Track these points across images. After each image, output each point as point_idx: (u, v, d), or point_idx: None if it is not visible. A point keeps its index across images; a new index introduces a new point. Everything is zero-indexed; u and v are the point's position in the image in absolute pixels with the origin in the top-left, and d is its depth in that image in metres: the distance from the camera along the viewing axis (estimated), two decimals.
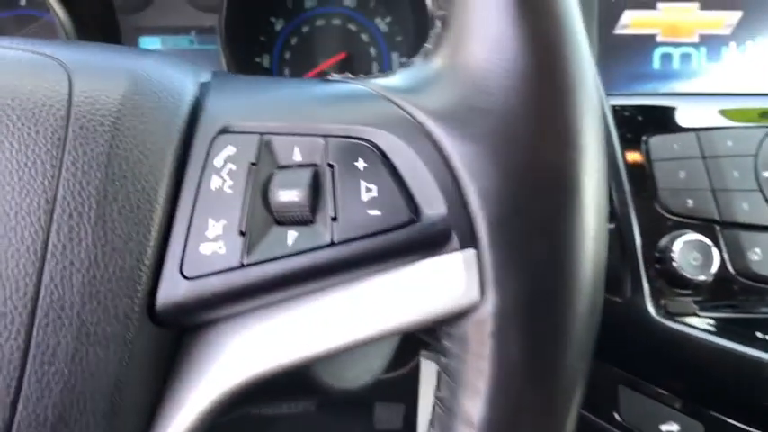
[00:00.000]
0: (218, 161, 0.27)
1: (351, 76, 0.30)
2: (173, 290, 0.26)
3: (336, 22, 0.72)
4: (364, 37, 0.72)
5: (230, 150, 0.27)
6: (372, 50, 0.72)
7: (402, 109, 0.27)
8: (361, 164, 0.26)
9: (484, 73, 0.25)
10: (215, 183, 0.27)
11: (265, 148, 0.27)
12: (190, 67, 0.32)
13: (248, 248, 0.26)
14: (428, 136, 0.26)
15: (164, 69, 0.30)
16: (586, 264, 0.25)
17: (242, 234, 0.26)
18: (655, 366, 0.56)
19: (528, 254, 0.24)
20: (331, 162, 0.26)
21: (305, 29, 0.72)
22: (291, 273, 0.26)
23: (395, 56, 0.72)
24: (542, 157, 0.24)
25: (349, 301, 0.27)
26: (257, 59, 0.72)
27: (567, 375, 0.25)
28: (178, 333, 0.29)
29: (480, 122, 0.24)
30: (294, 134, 0.27)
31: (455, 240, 0.25)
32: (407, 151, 0.26)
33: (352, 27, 0.72)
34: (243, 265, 0.26)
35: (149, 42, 0.71)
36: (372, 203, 0.26)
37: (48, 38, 0.71)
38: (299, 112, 0.28)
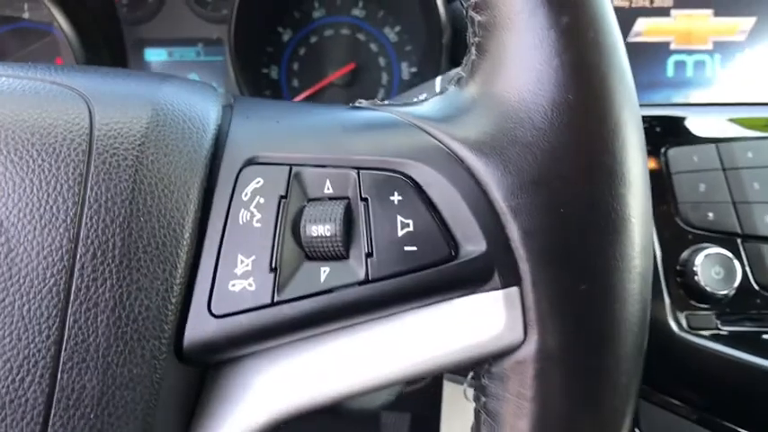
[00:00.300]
0: (245, 194, 0.26)
1: (379, 102, 0.29)
2: (201, 328, 0.26)
3: (345, 31, 0.71)
4: (373, 47, 0.71)
5: (258, 182, 0.26)
6: (381, 60, 0.71)
7: (436, 139, 0.26)
8: (396, 197, 0.25)
9: (526, 105, 0.24)
10: (243, 217, 0.26)
11: (295, 180, 0.26)
12: (211, 91, 0.31)
13: (279, 285, 0.25)
14: (465, 168, 0.25)
15: (186, 96, 0.29)
16: (634, 302, 0.24)
17: (273, 270, 0.25)
18: (675, 380, 0.55)
19: (574, 293, 0.23)
20: (365, 195, 0.25)
21: (313, 39, 0.71)
22: (324, 310, 0.25)
23: (404, 66, 0.71)
24: (591, 194, 0.23)
25: (383, 338, 0.26)
26: (265, 71, 0.71)
27: (612, 418, 0.24)
28: (204, 369, 0.28)
29: (523, 156, 0.23)
30: (325, 165, 0.26)
31: (496, 278, 0.24)
32: (444, 184, 0.25)
33: (361, 37, 0.71)
34: (274, 303, 0.25)
35: (155, 54, 0.70)
36: (409, 239, 0.25)
37: (53, 54, 0.70)
38: (328, 142, 0.27)
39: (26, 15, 0.72)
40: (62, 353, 0.24)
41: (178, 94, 0.29)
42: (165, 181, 0.26)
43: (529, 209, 0.23)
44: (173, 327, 0.25)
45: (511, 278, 0.24)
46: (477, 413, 0.26)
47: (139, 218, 0.25)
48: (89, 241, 0.25)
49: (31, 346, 0.24)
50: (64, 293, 0.24)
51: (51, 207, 0.25)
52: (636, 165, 0.24)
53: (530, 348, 0.24)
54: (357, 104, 0.29)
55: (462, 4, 0.26)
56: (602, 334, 0.23)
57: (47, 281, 0.24)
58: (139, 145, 0.26)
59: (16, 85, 0.27)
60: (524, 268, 0.24)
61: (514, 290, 0.24)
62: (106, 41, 0.70)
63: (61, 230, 0.24)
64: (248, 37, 0.67)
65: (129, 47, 0.71)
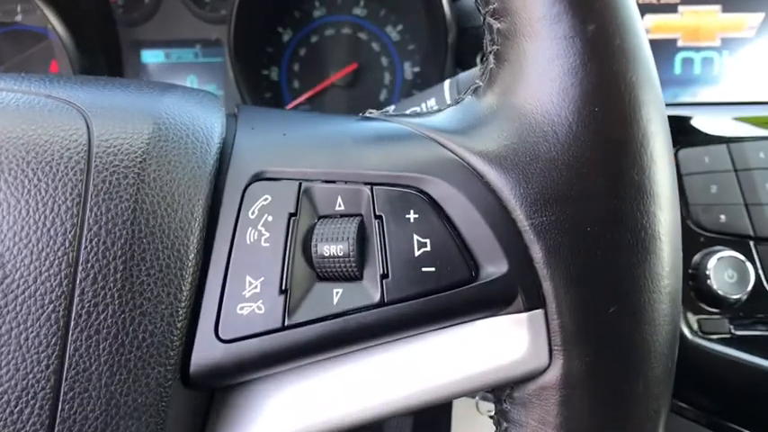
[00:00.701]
0: (253, 212, 0.25)
1: (391, 112, 0.28)
2: (208, 354, 0.24)
3: (346, 31, 0.69)
4: (375, 46, 0.69)
5: (266, 200, 0.25)
6: (384, 60, 0.70)
7: (454, 153, 0.24)
8: (412, 215, 0.24)
9: (550, 117, 0.22)
10: (251, 236, 0.25)
11: (305, 197, 0.25)
12: (214, 101, 0.29)
13: (290, 308, 0.24)
14: (485, 184, 0.23)
15: (188, 108, 0.27)
16: (664, 324, 0.23)
17: (283, 292, 0.24)
18: (687, 385, 0.54)
19: (602, 315, 0.22)
20: (379, 213, 0.24)
21: (314, 39, 0.69)
22: (337, 334, 0.24)
23: (407, 65, 0.70)
24: (620, 211, 0.22)
25: (398, 362, 0.25)
26: (265, 72, 0.69)
27: None
28: (211, 392, 0.27)
29: (547, 172, 0.22)
30: (336, 181, 0.25)
31: (519, 300, 0.23)
32: (463, 201, 0.24)
33: (363, 36, 0.69)
34: (284, 327, 0.24)
35: (152, 56, 0.69)
36: (426, 259, 0.23)
37: (48, 58, 0.69)
38: (340, 156, 0.26)
39: (19, 19, 0.70)
40: (62, 383, 0.23)
41: (180, 106, 0.27)
42: (169, 199, 0.25)
43: (553, 227, 0.22)
44: (179, 353, 0.24)
45: (535, 300, 0.23)
46: None
47: (141, 239, 0.24)
48: (89, 265, 0.23)
49: (30, 376, 0.23)
50: (63, 321, 0.23)
51: (49, 230, 0.23)
52: (665, 179, 0.22)
53: (554, 374, 0.23)
54: (368, 115, 0.28)
55: (480, 10, 0.25)
56: (631, 358, 0.22)
57: (45, 307, 0.23)
58: (140, 162, 0.25)
59: (9, 99, 0.26)
60: (549, 289, 0.22)
61: (539, 312, 0.23)
62: (102, 44, 0.69)
63: (59, 254, 0.23)
64: (248, 37, 0.66)
65: (125, 49, 0.69)
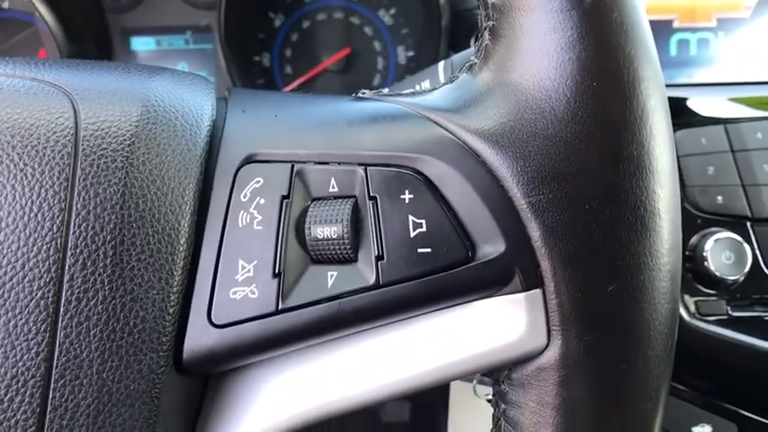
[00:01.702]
0: (245, 194, 0.25)
1: (384, 92, 0.28)
2: (201, 339, 0.24)
3: (338, 15, 0.68)
4: (368, 30, 0.69)
5: (258, 182, 0.25)
6: (377, 45, 0.69)
7: (449, 131, 0.24)
8: (407, 195, 0.23)
9: (547, 93, 0.22)
10: (243, 219, 0.25)
11: (297, 179, 0.25)
12: (204, 83, 0.29)
13: (284, 292, 0.24)
14: (481, 162, 0.23)
15: (177, 90, 0.27)
16: (664, 302, 0.22)
17: (276, 275, 0.24)
18: (686, 368, 0.54)
19: (601, 293, 0.22)
20: (373, 194, 0.24)
21: (305, 24, 0.68)
22: (332, 318, 0.24)
23: (400, 50, 0.69)
24: (618, 187, 0.21)
25: (394, 345, 0.24)
26: (257, 58, 0.68)
27: (641, 426, 0.23)
28: (205, 378, 0.26)
29: (545, 149, 0.22)
30: (329, 162, 0.25)
31: (517, 280, 0.23)
32: (459, 180, 0.23)
33: (355, 20, 0.68)
34: (278, 311, 0.24)
35: (142, 43, 0.68)
36: (422, 240, 0.23)
37: (36, 46, 0.67)
38: (332, 137, 0.25)
39: (6, 5, 0.69)
40: (53, 370, 0.22)
41: (169, 88, 0.27)
42: (158, 183, 0.24)
43: (551, 205, 0.22)
44: (171, 339, 0.24)
45: (532, 280, 0.22)
46: (496, 420, 0.25)
47: (131, 224, 0.24)
48: (78, 250, 0.23)
49: (20, 364, 0.22)
50: (53, 307, 0.23)
51: (36, 215, 0.23)
52: (665, 155, 0.22)
53: (553, 354, 0.22)
54: (360, 95, 0.28)
55: None
56: (630, 336, 0.22)
57: (34, 294, 0.22)
58: (129, 145, 0.24)
59: None
60: (547, 269, 0.22)
61: (536, 292, 0.23)
62: (90, 31, 0.68)
63: (47, 239, 0.23)
64: (238, 23, 0.65)
65: (114, 36, 0.68)
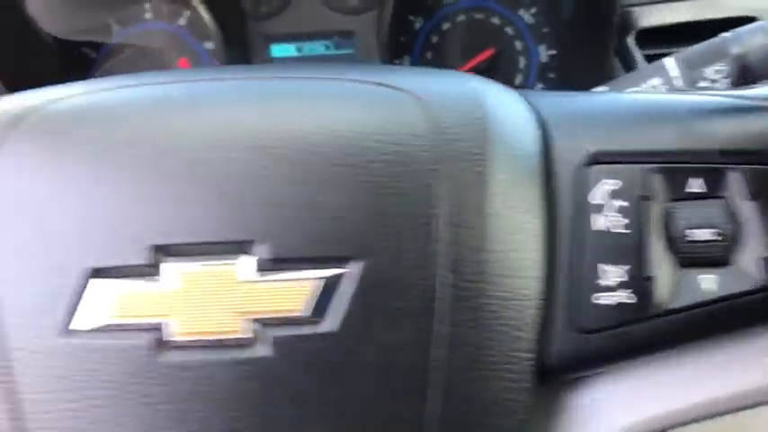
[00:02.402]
0: (595, 196, 0.24)
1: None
2: (566, 345, 0.23)
3: (479, 16, 0.67)
4: (509, 30, 0.68)
5: (611, 184, 0.24)
6: (518, 44, 0.68)
7: None
8: None
9: None
10: (598, 222, 0.24)
11: (656, 178, 0.24)
12: (500, 84, 0.28)
13: (655, 297, 0.23)
14: None
15: (501, 93, 0.26)
16: None
17: (646, 279, 0.23)
18: None
19: None
20: (752, 193, 0.23)
21: (445, 26, 0.68)
22: (712, 321, 0.23)
23: (542, 48, 0.68)
24: None
25: None
26: (397, 62, 0.68)
27: None
28: (563, 385, 0.26)
29: None
30: (686, 162, 0.24)
31: None
32: None
33: (496, 21, 0.68)
34: (654, 316, 0.23)
35: (283, 50, 0.68)
36: None
37: (177, 56, 0.69)
38: (683, 133, 0.24)
39: (147, 17, 0.70)
40: (428, 388, 0.22)
41: (495, 91, 0.26)
42: (511, 187, 0.24)
43: None
44: (533, 346, 0.23)
45: None
46: None
47: (488, 226, 0.23)
48: (445, 257, 0.22)
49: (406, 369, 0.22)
50: (426, 324, 0.22)
51: (408, 225, 0.22)
52: None
53: None
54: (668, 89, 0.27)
55: None
56: None
57: (409, 299, 0.22)
58: (483, 148, 0.24)
59: (331, 87, 0.25)
60: None
61: None
62: (231, 39, 0.68)
63: (420, 246, 0.22)
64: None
65: (254, 43, 0.69)
